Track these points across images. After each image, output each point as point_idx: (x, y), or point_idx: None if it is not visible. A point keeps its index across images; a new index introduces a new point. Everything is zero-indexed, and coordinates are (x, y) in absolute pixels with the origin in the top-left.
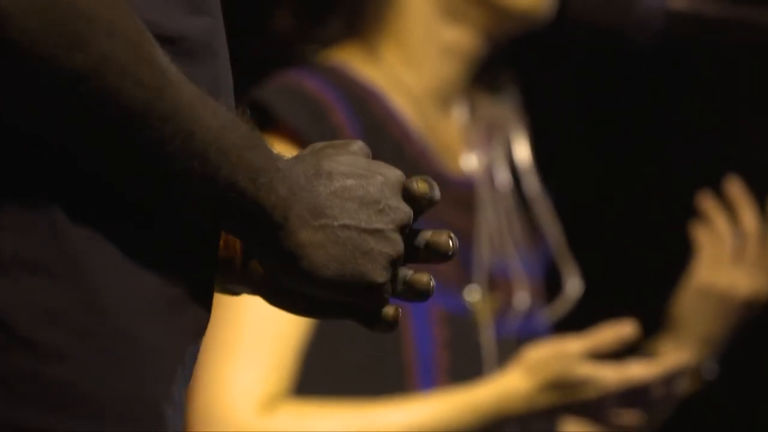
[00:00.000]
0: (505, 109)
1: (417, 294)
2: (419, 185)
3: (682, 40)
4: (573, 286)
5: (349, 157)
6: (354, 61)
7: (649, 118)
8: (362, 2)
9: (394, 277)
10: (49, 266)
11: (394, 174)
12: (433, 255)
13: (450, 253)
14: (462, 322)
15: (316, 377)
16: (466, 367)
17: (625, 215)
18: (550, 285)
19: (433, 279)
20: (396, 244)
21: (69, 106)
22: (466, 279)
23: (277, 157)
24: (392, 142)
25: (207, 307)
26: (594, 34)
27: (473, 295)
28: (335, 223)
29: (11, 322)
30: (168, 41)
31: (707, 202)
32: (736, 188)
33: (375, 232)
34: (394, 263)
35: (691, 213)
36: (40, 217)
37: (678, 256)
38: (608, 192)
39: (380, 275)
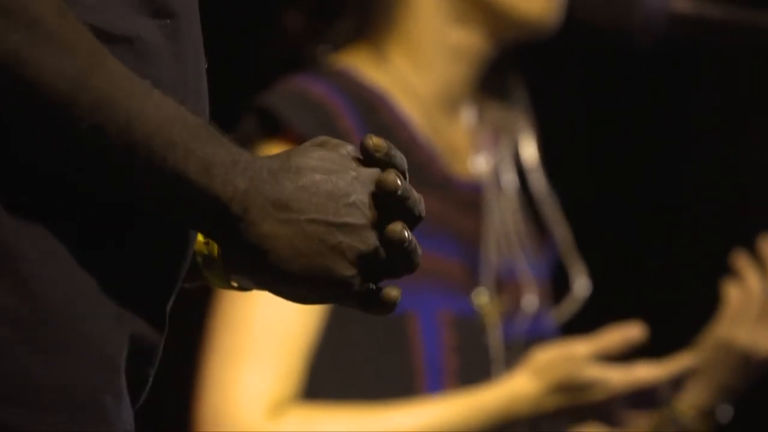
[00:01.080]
0: (513, 111)
1: (380, 304)
2: (389, 177)
3: (684, 41)
4: (581, 286)
5: (323, 153)
6: (361, 65)
7: (651, 119)
8: (371, 4)
9: (370, 272)
10: None
11: (369, 171)
12: (383, 193)
13: (399, 192)
14: (470, 325)
15: (325, 381)
16: (474, 370)
17: (631, 216)
18: (558, 286)
19: (400, 296)
20: (366, 239)
21: None
22: (473, 282)
23: (238, 152)
24: (399, 147)
25: (155, 301)
26: (597, 35)
27: (481, 297)
28: (301, 217)
29: None
30: (122, 41)
31: (741, 260)
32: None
33: (343, 226)
34: (365, 258)
35: (695, 213)
36: None
37: (683, 255)
38: (612, 192)
39: (347, 269)
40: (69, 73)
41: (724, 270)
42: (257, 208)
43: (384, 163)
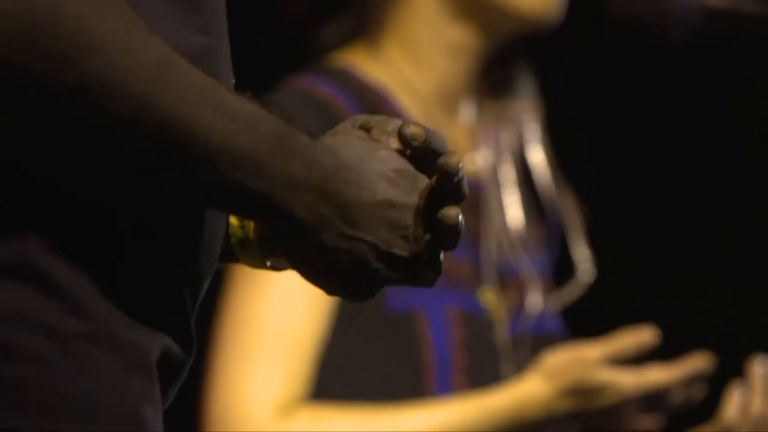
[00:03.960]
0: (519, 103)
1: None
2: (450, 160)
3: (718, 36)
4: (585, 271)
5: (380, 153)
6: (362, 63)
7: (672, 114)
8: (369, 2)
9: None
10: (16, 271)
11: (419, 176)
12: (442, 177)
13: (459, 174)
14: (478, 322)
15: (334, 379)
16: (483, 367)
17: (638, 209)
18: (562, 273)
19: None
20: (405, 275)
21: (59, 124)
22: (478, 279)
23: (305, 161)
24: None
25: (185, 311)
26: (631, 31)
27: (486, 295)
28: (364, 237)
29: None
30: None
31: (757, 368)
32: None
33: (392, 257)
34: (406, 269)
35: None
36: (9, 221)
37: (690, 249)
38: (617, 182)
39: (372, 292)
40: (136, 93)
41: (733, 269)
42: (325, 219)
43: (422, 150)
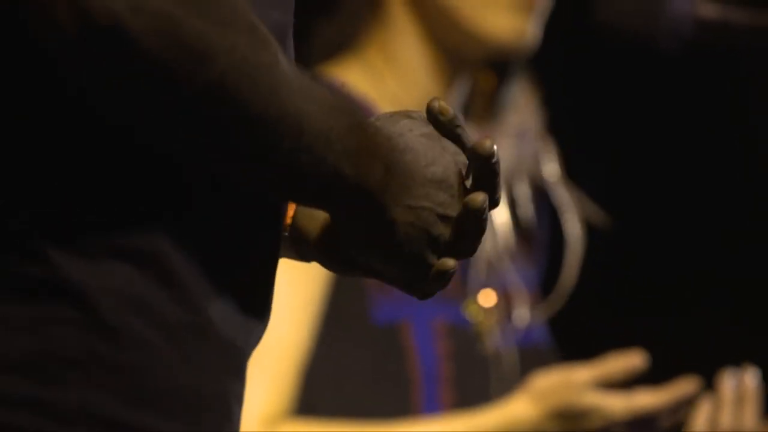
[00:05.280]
0: (520, 115)
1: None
2: (486, 142)
3: (710, 47)
4: (569, 277)
5: (423, 129)
6: (348, 76)
7: (664, 126)
8: (353, 17)
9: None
10: (134, 256)
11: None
12: (477, 161)
13: (494, 157)
14: (464, 334)
15: (320, 392)
16: (470, 378)
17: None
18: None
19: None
20: (456, 231)
21: (189, 119)
22: (465, 292)
23: (373, 138)
24: None
25: (267, 308)
26: (623, 40)
27: (472, 307)
28: (421, 204)
29: (94, 305)
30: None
31: (726, 386)
32: (749, 380)
33: (445, 218)
34: (449, 246)
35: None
36: (135, 207)
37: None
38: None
39: (432, 257)
40: (263, 90)
41: (726, 287)
42: (391, 196)
43: (446, 127)
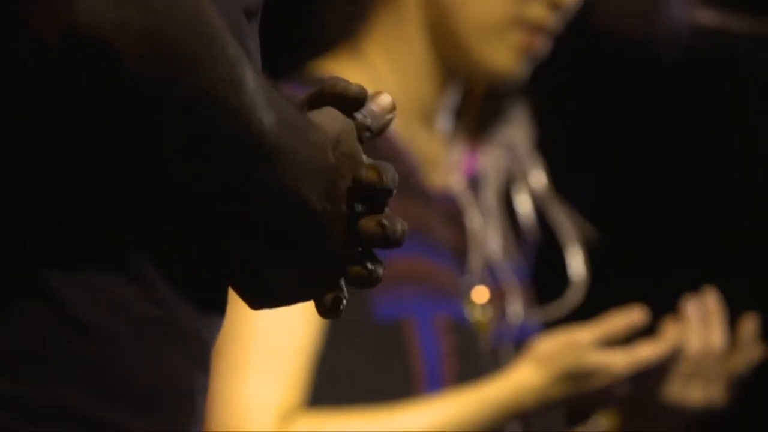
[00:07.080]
0: (512, 126)
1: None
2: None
3: (709, 53)
4: (578, 288)
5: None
6: (344, 71)
7: (661, 134)
8: (351, 10)
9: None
10: (102, 252)
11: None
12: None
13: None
14: (466, 331)
15: (324, 391)
16: (473, 374)
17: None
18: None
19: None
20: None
21: (161, 136)
22: (461, 289)
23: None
24: (382, 157)
25: (223, 306)
26: (621, 46)
27: (470, 304)
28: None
29: (62, 300)
30: (254, 15)
31: (691, 309)
32: (712, 301)
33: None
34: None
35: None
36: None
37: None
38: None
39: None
40: (234, 110)
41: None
42: (332, 211)
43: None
